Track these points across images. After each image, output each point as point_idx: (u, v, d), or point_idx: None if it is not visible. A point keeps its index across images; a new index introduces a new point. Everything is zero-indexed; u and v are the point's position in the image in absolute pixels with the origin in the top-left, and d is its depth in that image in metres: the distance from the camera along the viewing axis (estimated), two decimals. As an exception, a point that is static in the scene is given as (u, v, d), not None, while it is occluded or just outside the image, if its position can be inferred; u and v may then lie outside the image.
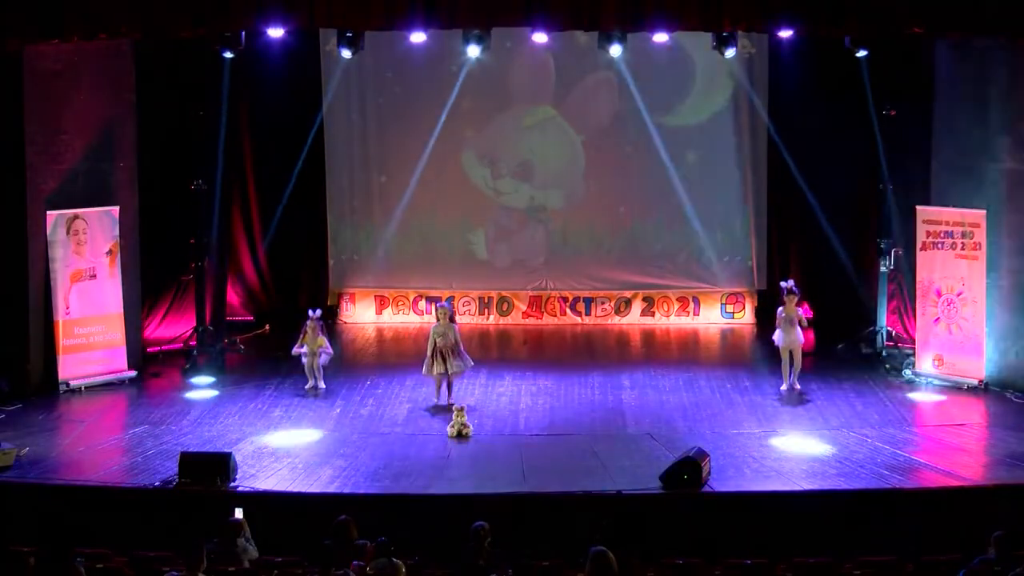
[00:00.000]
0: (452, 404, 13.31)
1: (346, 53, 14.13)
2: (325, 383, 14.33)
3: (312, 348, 14.23)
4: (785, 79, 16.80)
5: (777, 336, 14.13)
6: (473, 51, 13.60)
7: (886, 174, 15.73)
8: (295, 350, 14.36)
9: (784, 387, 14.12)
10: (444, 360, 13.54)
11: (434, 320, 14.09)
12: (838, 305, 16.40)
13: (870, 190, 16.03)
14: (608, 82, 17.16)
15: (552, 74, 17.34)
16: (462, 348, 13.72)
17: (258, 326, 17.49)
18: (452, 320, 13.88)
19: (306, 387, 14.28)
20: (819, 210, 16.66)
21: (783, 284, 14.32)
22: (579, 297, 17.90)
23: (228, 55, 13.88)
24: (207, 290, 16.20)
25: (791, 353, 14.05)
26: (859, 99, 15.70)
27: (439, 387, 13.71)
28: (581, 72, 17.27)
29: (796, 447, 12.26)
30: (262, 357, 16.04)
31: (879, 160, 15.86)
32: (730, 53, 13.82)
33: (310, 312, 14.38)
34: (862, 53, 13.79)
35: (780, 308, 14.15)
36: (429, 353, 13.62)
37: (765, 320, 16.46)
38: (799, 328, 14.05)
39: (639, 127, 17.36)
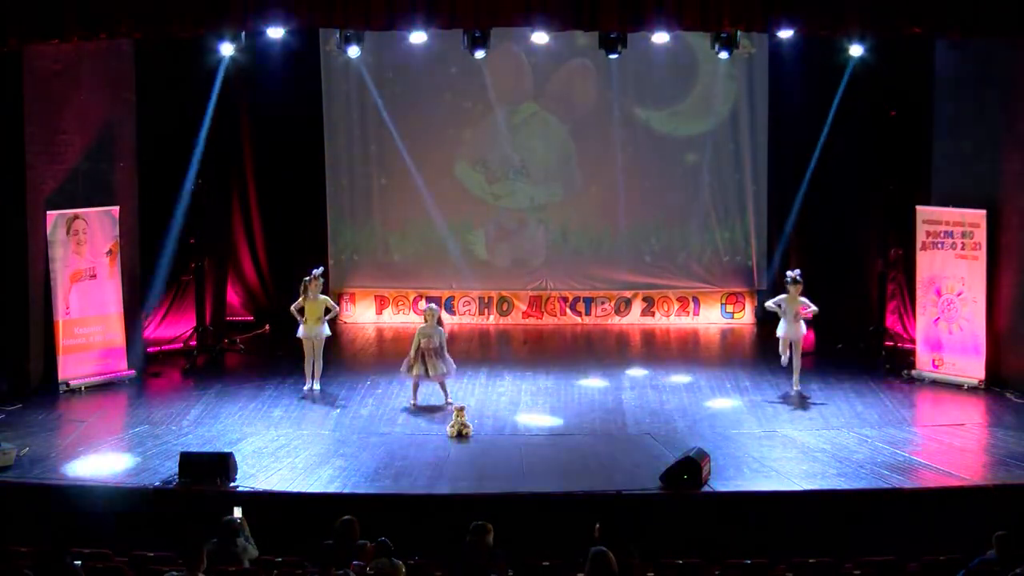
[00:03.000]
0: (450, 404, 13.34)
1: (354, 51, 14.15)
2: (325, 383, 14.28)
3: (313, 313, 13.99)
4: (785, 79, 16.81)
5: (780, 328, 14.07)
6: (478, 52, 13.59)
7: (886, 174, 15.75)
8: (300, 332, 14.13)
9: (796, 387, 14.02)
10: (425, 362, 13.51)
11: (422, 321, 13.96)
12: (838, 305, 16.39)
13: (870, 190, 16.03)
14: (609, 83, 17.18)
15: (553, 75, 17.34)
16: (446, 352, 13.68)
17: (258, 326, 17.50)
18: (440, 323, 13.83)
19: (304, 388, 14.24)
20: (819, 210, 16.67)
21: (789, 273, 14.20)
22: (579, 297, 17.91)
23: (228, 55, 13.87)
24: (207, 290, 16.23)
25: (791, 346, 14.00)
26: (859, 99, 15.73)
27: (416, 389, 13.69)
28: (582, 73, 17.26)
29: (796, 447, 12.27)
30: (262, 357, 16.05)
31: (879, 160, 15.89)
32: (723, 56, 13.83)
33: (312, 270, 14.15)
34: (858, 51, 13.79)
35: (783, 296, 14.08)
36: (412, 353, 13.57)
37: (765, 320, 16.45)
38: (801, 322, 14.03)
39: (640, 127, 17.39)
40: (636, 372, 15.17)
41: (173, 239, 15.77)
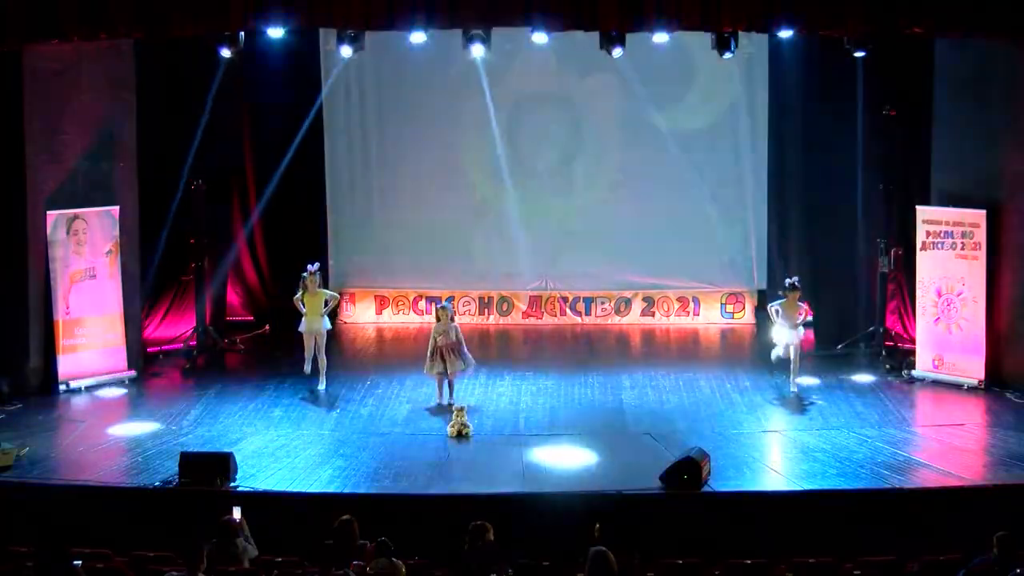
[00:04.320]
0: (452, 404, 13.34)
1: (346, 51, 14.10)
2: (326, 383, 14.30)
3: (314, 308, 14.02)
4: (785, 79, 16.79)
5: (778, 333, 14.06)
6: (478, 51, 13.57)
7: (886, 174, 15.75)
8: (301, 326, 14.18)
9: (793, 388, 14.04)
10: (444, 360, 13.54)
11: (435, 320, 14.02)
12: (838, 305, 16.39)
13: (870, 190, 16.03)
14: (609, 83, 17.16)
15: (553, 75, 17.33)
16: (464, 347, 13.73)
17: (258, 326, 17.49)
18: (452, 319, 13.86)
19: (319, 387, 14.21)
20: (819, 210, 16.66)
21: (787, 281, 14.17)
22: (579, 297, 17.90)
23: (227, 54, 13.85)
24: (207, 290, 16.22)
25: (792, 349, 13.99)
26: (859, 99, 15.71)
27: (440, 387, 13.72)
28: (582, 73, 17.25)
29: (796, 447, 12.26)
30: (262, 357, 16.05)
31: (879, 160, 15.88)
32: (726, 56, 13.85)
33: (308, 266, 14.22)
34: (860, 53, 13.83)
35: (780, 302, 14.08)
36: (429, 352, 13.64)
37: (765, 320, 16.43)
38: (801, 327, 14.00)
39: (640, 127, 17.37)
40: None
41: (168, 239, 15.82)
